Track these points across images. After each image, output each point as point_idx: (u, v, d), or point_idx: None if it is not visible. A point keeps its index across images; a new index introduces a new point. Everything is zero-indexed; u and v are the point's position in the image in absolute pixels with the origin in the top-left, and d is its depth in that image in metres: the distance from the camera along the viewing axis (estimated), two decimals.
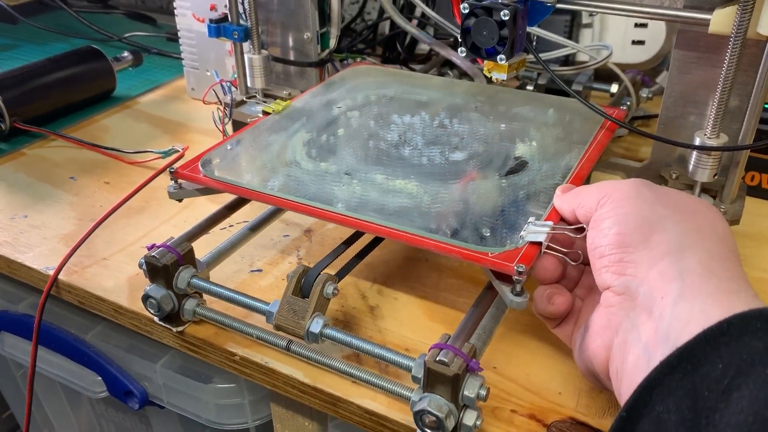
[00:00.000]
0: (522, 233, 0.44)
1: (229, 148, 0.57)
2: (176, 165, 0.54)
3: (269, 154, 0.56)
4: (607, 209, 0.39)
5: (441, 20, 0.73)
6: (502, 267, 0.42)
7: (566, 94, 0.81)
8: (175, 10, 0.87)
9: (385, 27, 0.97)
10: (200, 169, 0.53)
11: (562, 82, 0.81)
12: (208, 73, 0.89)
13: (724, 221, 0.39)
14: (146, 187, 0.67)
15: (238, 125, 0.74)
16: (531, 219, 0.45)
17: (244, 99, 0.74)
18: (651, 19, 0.55)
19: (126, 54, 0.96)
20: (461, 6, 0.50)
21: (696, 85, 0.56)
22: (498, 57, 0.50)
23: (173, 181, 0.54)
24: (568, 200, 0.45)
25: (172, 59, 1.05)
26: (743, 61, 0.50)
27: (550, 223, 0.44)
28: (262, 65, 0.71)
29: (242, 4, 0.71)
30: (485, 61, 0.52)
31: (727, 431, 0.27)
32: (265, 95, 0.75)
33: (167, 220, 0.66)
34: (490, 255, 0.42)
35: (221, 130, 0.77)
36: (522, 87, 0.86)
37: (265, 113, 0.63)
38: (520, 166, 0.53)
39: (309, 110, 0.64)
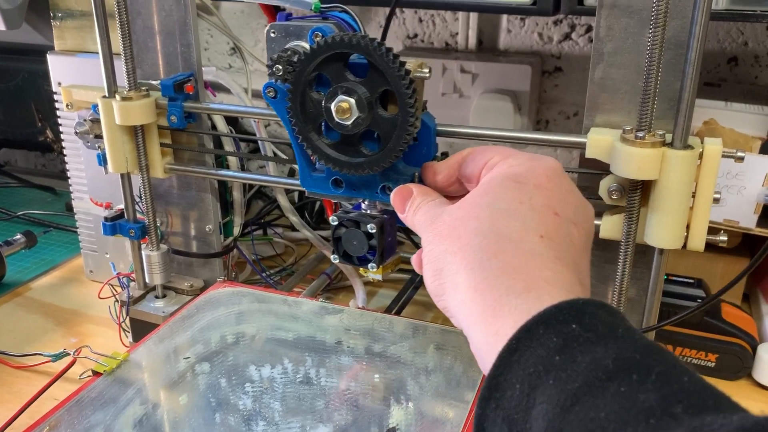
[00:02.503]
0: None
1: None
2: None
3: None
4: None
5: None
6: None
7: None
8: (71, 194, 0.84)
9: (294, 196, 0.97)
10: None
11: None
12: (107, 256, 0.85)
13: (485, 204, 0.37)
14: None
15: (136, 324, 0.70)
16: None
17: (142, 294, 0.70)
18: None
19: (18, 236, 0.91)
20: (330, 218, 0.50)
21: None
22: (369, 265, 0.50)
23: None
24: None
25: (71, 234, 1.00)
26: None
27: None
28: (161, 261, 0.68)
29: (139, 198, 0.69)
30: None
31: None
32: (166, 287, 0.72)
33: None
34: None
35: (118, 324, 0.73)
36: None
37: (95, 373, 0.53)
38: None
39: (149, 366, 0.54)
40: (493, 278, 0.32)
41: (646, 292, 0.54)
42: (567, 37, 0.91)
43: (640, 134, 0.47)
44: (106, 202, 0.76)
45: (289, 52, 0.46)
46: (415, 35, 0.98)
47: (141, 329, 0.70)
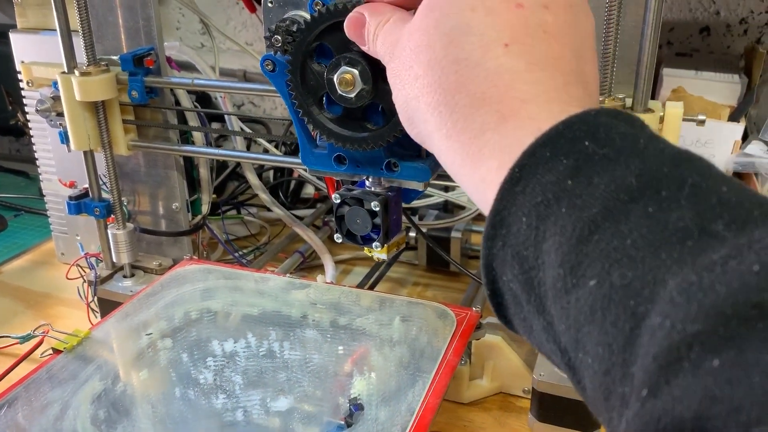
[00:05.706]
0: None
1: None
2: None
3: (44, 423, 0.44)
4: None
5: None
6: None
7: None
8: (40, 176, 0.83)
9: (269, 175, 0.96)
10: None
11: (444, 228, 0.82)
12: (78, 237, 0.84)
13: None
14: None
15: (104, 303, 0.69)
16: None
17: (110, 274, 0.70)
18: None
19: None
20: (333, 196, 0.48)
21: None
22: (374, 244, 0.48)
23: None
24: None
25: (43, 217, 0.99)
26: None
27: None
28: (127, 240, 0.67)
29: (104, 177, 0.68)
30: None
31: (548, 287, 0.24)
32: (134, 267, 0.71)
33: None
34: None
35: (86, 304, 0.72)
36: None
37: (56, 351, 0.53)
38: (355, 413, 0.46)
39: (111, 343, 0.54)
40: (462, 119, 0.28)
41: None
42: None
43: (600, 99, 0.46)
44: (70, 181, 0.75)
45: (288, 22, 0.43)
46: None
47: (109, 309, 0.69)
